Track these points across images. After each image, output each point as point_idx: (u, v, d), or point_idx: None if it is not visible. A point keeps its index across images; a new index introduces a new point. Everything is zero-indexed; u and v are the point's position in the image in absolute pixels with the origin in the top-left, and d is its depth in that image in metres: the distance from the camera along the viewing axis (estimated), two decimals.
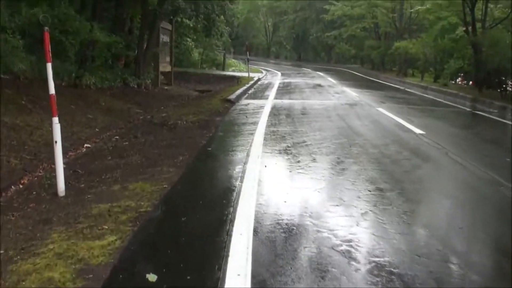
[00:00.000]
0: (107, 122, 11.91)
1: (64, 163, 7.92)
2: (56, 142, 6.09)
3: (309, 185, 6.50)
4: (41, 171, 7.46)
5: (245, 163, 7.59)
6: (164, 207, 5.58)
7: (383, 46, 42.21)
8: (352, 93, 20.82)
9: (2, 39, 8.87)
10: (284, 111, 14.16)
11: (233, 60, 49.12)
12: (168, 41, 25.11)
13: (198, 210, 5.52)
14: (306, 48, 71.81)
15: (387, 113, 13.98)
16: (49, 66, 6.12)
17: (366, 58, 50.02)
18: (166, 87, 23.14)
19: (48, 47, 6.09)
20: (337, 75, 36.22)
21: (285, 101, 17.07)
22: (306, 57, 71.00)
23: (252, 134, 10.33)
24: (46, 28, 6.06)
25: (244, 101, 17.22)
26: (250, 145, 9.01)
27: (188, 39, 37.41)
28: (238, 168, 7.30)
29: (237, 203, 5.55)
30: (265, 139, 9.80)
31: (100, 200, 5.86)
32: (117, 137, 10.30)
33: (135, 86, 19.31)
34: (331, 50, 64.28)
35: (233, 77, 31.07)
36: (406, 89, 25.21)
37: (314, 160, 8.00)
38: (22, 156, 7.87)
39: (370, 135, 10.46)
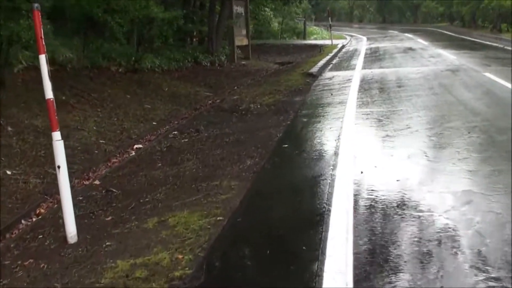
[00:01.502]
0: (168, 112, 10.05)
1: (99, 179, 6.16)
2: (59, 167, 4.18)
3: (431, 201, 4.31)
4: None
5: (333, 167, 5.49)
6: (211, 267, 3.54)
7: (473, 1, 38.38)
8: (449, 56, 17.98)
9: (25, 25, 7.09)
10: (376, 84, 11.81)
11: (314, 27, 46.35)
12: (243, 12, 23.02)
13: (263, 273, 3.45)
14: (391, 9, 67.60)
15: (499, 80, 11.26)
16: (42, 58, 4.23)
17: (456, 15, 45.98)
18: (243, 62, 21.16)
19: (40, 31, 4.18)
20: (427, 36, 32.88)
21: (376, 71, 14.64)
22: (390, 19, 66.74)
23: (340, 118, 8.16)
24: (36, 5, 4.12)
25: (328, 74, 14.94)
26: (339, 137, 6.86)
27: (266, 8, 35.21)
28: (324, 178, 5.20)
29: (324, 251, 3.47)
30: (356, 124, 7.63)
31: (121, 252, 3.90)
32: (175, 132, 8.36)
33: (208, 64, 17.44)
34: (417, 9, 60.04)
35: (315, 45, 28.60)
36: (506, 47, 21.82)
37: (427, 156, 5.76)
38: (47, 171, 6.07)
39: (490, 113, 7.97)
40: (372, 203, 4.36)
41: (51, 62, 10.19)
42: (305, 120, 8.62)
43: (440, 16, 53.70)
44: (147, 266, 3.58)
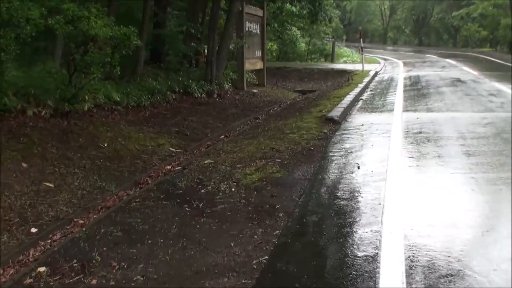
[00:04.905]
0: (79, 197, 5.81)
1: None
2: None
3: None
4: None
5: None
6: None
7: None
8: None
9: None
10: (429, 146, 7.38)
11: (345, 48, 41.88)
12: (258, 31, 18.84)
13: None
14: (428, 31, 62.78)
15: None
16: None
17: (502, 39, 41.13)
18: (254, 90, 16.94)
19: None
20: (472, 63, 28.09)
21: (422, 116, 10.20)
22: (427, 42, 61.83)
23: (373, 262, 3.85)
24: None
25: (355, 119, 10.53)
26: None
27: (293, 27, 31.01)
28: None
29: None
30: None
31: None
32: (44, 268, 4.09)
33: (202, 96, 13.23)
34: (456, 32, 55.09)
35: (343, 71, 24.19)
36: None
37: None
38: None
39: None
40: None
41: None
42: (297, 262, 4.24)
43: (482, 40, 48.68)
44: None
